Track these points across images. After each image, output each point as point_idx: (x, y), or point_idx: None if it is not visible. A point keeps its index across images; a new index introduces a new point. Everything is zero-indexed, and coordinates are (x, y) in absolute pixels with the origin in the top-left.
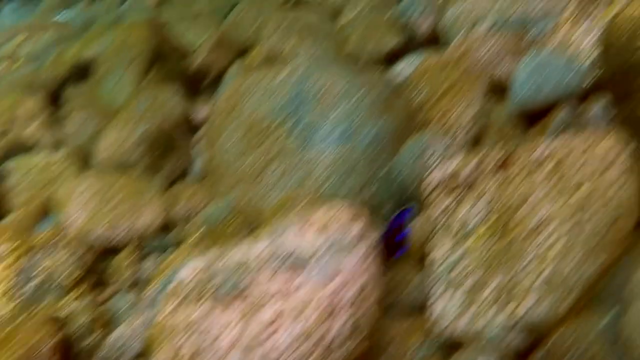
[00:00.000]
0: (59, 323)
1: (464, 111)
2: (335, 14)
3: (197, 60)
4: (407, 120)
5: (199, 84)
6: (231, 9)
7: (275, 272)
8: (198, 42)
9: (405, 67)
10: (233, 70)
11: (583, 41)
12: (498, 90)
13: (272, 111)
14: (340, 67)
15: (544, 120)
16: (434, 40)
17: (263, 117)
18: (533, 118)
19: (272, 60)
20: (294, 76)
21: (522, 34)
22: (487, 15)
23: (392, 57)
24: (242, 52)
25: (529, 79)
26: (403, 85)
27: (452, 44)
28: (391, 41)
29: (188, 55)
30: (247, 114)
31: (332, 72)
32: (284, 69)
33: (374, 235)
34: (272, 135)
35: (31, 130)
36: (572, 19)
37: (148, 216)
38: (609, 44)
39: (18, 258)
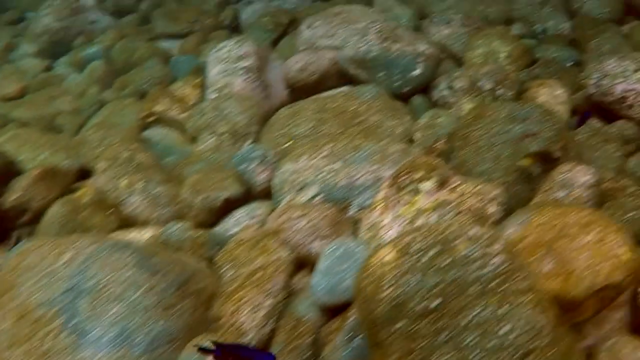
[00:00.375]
0: None
1: (261, 304)
2: (193, 138)
3: (14, 194)
4: (197, 317)
5: (11, 222)
6: (98, 109)
7: None
8: (31, 163)
9: (232, 226)
10: (55, 208)
11: (387, 233)
12: (308, 271)
13: (47, 300)
14: (128, 254)
15: (341, 316)
16: (268, 195)
17: (38, 305)
18: (333, 312)
19: (98, 202)
20: (74, 262)
21: (343, 207)
22: (314, 181)
23: (225, 209)
24: (79, 178)
25: (330, 269)
26: (207, 266)
27: (274, 213)
28: (226, 190)
29: (11, 178)
30: (24, 297)
31: (117, 260)
32: (67, 251)
33: None
34: (45, 329)
35: None
36: (381, 205)
37: None
38: (360, 288)
39: None
